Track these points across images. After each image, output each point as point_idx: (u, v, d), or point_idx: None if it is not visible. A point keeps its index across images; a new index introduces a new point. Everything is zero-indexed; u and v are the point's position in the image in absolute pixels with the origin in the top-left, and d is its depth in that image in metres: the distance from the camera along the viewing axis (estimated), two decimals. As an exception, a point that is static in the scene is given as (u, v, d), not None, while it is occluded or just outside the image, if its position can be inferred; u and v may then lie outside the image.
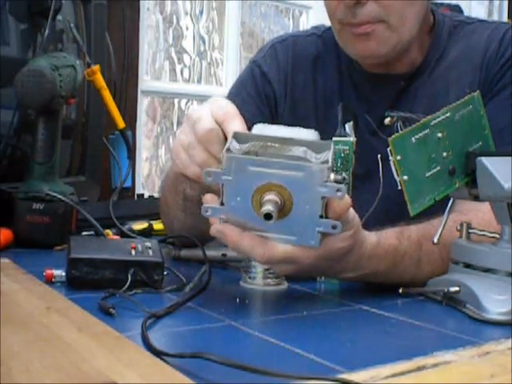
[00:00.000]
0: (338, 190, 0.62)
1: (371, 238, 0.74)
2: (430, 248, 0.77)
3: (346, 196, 0.64)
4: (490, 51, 1.01)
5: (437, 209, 0.76)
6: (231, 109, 0.72)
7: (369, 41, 0.97)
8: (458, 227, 0.76)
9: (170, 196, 0.90)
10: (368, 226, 0.75)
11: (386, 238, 0.76)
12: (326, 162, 0.64)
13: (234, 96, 1.14)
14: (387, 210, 0.84)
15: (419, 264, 0.78)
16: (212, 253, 0.90)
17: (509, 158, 0.70)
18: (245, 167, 0.63)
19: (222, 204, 0.64)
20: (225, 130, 0.70)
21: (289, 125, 0.74)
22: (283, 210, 0.63)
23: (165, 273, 0.74)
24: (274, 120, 1.09)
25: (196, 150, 0.71)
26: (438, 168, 0.73)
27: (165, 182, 0.94)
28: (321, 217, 0.63)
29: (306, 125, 0.74)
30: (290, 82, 1.12)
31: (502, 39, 1.01)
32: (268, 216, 0.61)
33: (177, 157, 0.74)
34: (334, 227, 0.63)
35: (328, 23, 1.06)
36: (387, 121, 0.76)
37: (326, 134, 0.77)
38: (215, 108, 0.71)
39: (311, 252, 0.66)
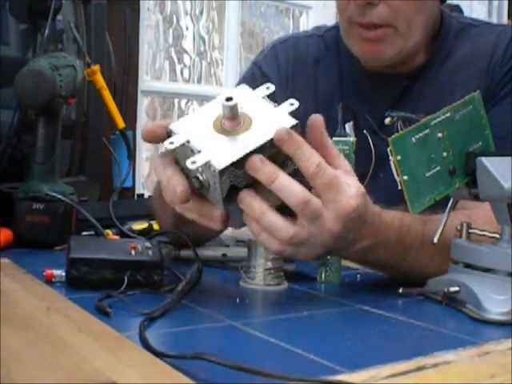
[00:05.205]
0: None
1: (374, 206, 0.72)
2: (434, 228, 0.75)
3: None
4: (496, 56, 1.01)
5: (437, 209, 0.76)
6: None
7: (376, 44, 0.97)
8: (459, 227, 0.76)
9: (160, 215, 0.90)
10: None
11: (388, 211, 0.75)
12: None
13: None
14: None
15: (423, 241, 0.76)
16: (212, 253, 0.90)
17: (509, 158, 0.70)
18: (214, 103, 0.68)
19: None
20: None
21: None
22: (242, 127, 0.65)
23: (164, 273, 0.74)
24: None
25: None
26: (438, 168, 0.73)
27: (153, 197, 0.94)
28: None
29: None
30: (290, 83, 1.12)
31: (509, 44, 1.01)
32: (229, 98, 0.64)
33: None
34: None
35: (329, 23, 1.06)
36: (387, 121, 0.76)
37: (328, 134, 0.76)
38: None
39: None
